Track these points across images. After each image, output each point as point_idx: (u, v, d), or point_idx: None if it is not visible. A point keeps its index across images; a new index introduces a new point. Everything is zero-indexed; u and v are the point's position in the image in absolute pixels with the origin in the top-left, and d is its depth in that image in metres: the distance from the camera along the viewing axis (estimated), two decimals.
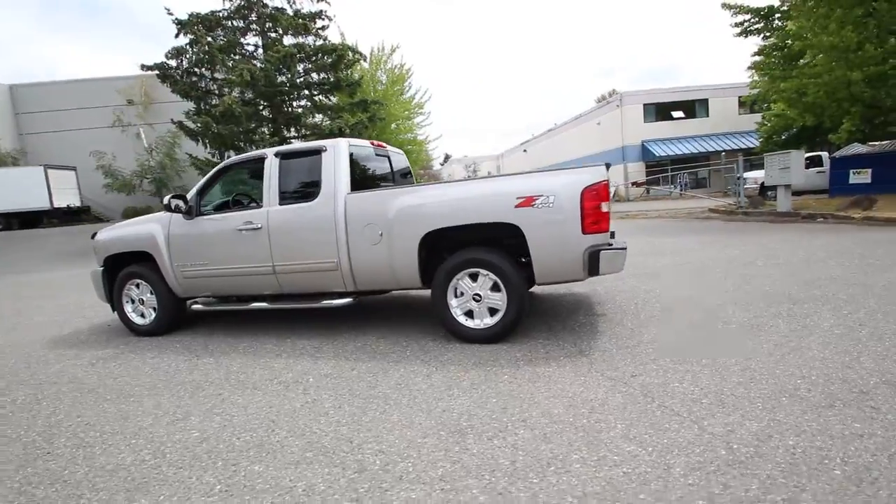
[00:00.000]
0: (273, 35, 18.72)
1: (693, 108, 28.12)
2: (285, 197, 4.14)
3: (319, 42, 18.57)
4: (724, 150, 23.79)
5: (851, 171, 14.04)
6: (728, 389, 2.63)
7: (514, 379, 2.96)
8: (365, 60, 21.38)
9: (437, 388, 2.91)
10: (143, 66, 16.77)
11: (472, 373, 3.11)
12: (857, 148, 14.87)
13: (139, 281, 4.70)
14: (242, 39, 18.51)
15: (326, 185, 3.97)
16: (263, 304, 4.31)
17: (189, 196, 4.35)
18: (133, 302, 4.79)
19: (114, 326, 5.36)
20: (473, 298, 3.65)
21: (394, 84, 24.35)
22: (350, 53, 18.38)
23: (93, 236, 5.01)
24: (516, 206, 3.41)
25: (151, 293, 4.68)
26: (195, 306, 4.60)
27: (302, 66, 18.42)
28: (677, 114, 28.24)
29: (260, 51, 18.80)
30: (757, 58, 15.40)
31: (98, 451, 2.46)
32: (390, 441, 2.33)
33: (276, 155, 4.22)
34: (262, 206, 4.19)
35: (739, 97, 26.50)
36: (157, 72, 16.92)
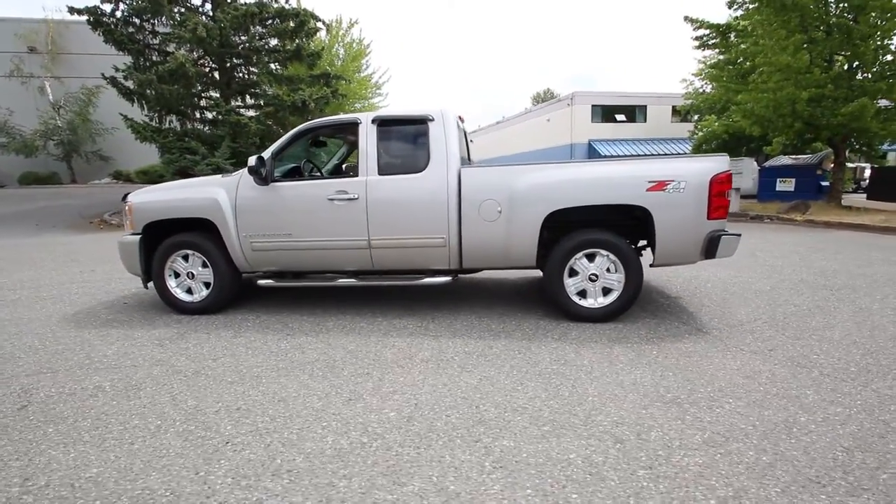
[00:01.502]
0: None
1: (634, 113, 30.27)
2: (385, 167, 3.86)
3: (278, 4, 17.20)
4: (663, 155, 25.87)
5: (778, 179, 16.05)
6: (859, 359, 2.96)
7: (666, 355, 3.08)
8: (328, 31, 20.24)
9: (600, 364, 2.93)
10: (70, 10, 14.44)
11: (618, 349, 3.18)
12: (783, 160, 17.00)
13: (188, 252, 4.12)
14: None
15: (437, 157, 3.77)
16: (351, 281, 4.00)
17: (254, 160, 3.87)
18: (177, 276, 4.20)
19: (131, 303, 4.67)
20: (589, 278, 3.71)
21: (353, 60, 23.36)
22: (312, 21, 17.27)
23: (123, 198, 4.29)
24: (647, 190, 3.50)
25: (204, 266, 4.13)
26: (262, 282, 4.14)
27: (257, 29, 16.96)
28: (620, 117, 30.23)
29: (208, 6, 16.98)
30: (696, 68, 16.94)
31: (294, 437, 2.17)
32: (616, 413, 2.33)
33: (374, 121, 3.91)
34: (356, 175, 3.87)
35: (673, 106, 28.93)
36: (87, 17, 14.63)
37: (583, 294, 3.76)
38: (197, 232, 4.15)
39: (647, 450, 2.02)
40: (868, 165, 15.94)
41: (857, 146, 13.62)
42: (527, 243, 3.69)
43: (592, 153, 28.84)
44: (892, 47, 12.40)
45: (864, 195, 16.78)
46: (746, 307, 4.16)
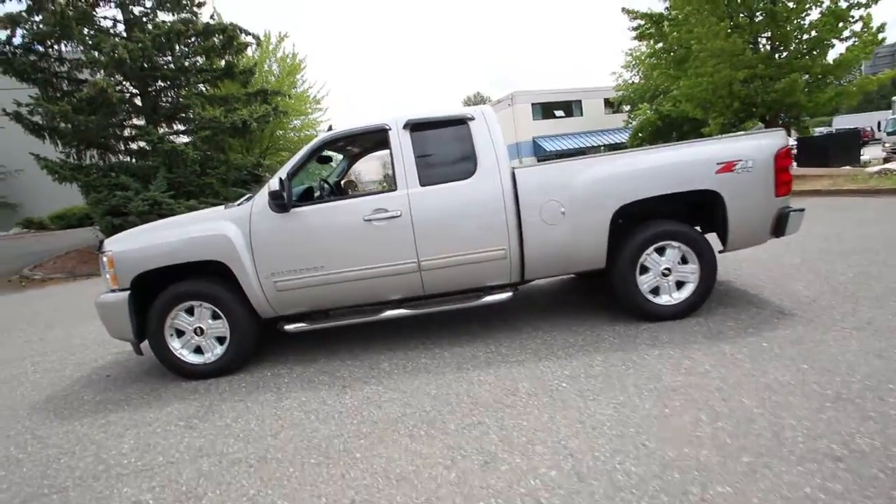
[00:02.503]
0: (138, 9, 15.50)
1: (571, 107, 31.36)
2: (427, 176, 3.37)
3: (202, 21, 15.95)
4: (602, 146, 26.95)
5: None
6: None
7: (780, 347, 2.84)
8: (258, 45, 19.11)
9: (726, 368, 2.65)
10: None
11: (726, 348, 2.92)
12: None
13: (193, 304, 3.40)
14: (95, 11, 14.90)
15: (485, 158, 3.35)
16: (401, 312, 3.47)
17: (276, 182, 3.25)
18: (181, 335, 3.46)
19: (116, 375, 3.83)
20: (662, 273, 3.45)
21: (288, 75, 22.28)
22: (241, 34, 16.16)
23: (99, 248, 3.47)
24: (717, 172, 3.30)
25: (215, 318, 3.42)
26: (291, 328, 3.49)
27: (182, 48, 15.61)
28: (559, 113, 31.20)
29: (120, 27, 15.42)
30: (624, 61, 17.70)
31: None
32: (802, 426, 2.03)
33: (406, 126, 3.42)
34: (393, 189, 3.36)
35: (605, 99, 30.29)
36: None
37: (655, 291, 3.49)
38: (200, 278, 3.44)
39: (870, 458, 1.73)
40: (794, 137, 17.40)
41: (787, 120, 14.74)
42: (596, 243, 3.36)
43: (538, 150, 29.52)
44: (805, 25, 13.58)
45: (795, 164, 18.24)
46: (798, 282, 4.08)
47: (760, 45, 13.64)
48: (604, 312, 3.84)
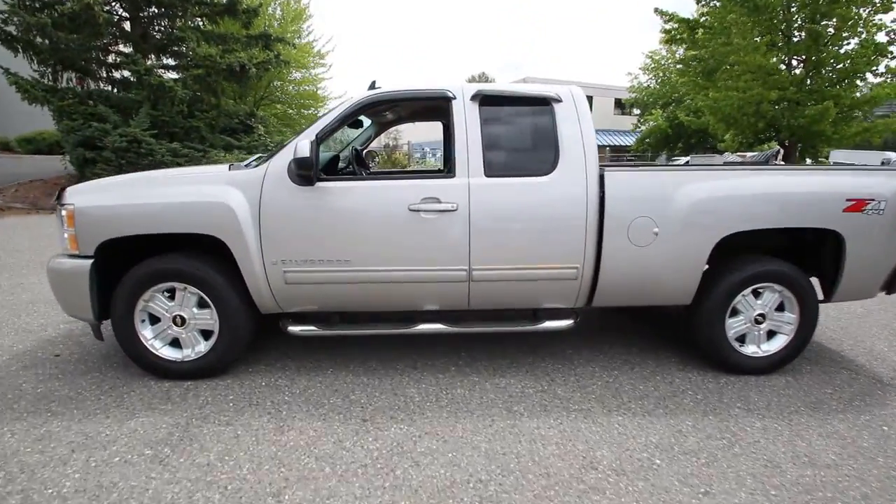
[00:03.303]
0: None
1: None
2: (495, 166, 2.67)
3: None
4: (608, 146, 26.42)
5: None
6: None
7: None
8: None
9: (845, 460, 2.10)
10: None
11: (846, 428, 2.37)
12: (728, 156, 17.76)
13: (175, 286, 2.65)
14: None
15: (569, 154, 2.66)
16: (438, 328, 2.80)
17: (307, 146, 2.48)
18: (156, 321, 2.72)
19: (65, 357, 3.07)
20: (755, 320, 2.87)
21: (291, 22, 20.81)
22: None
23: (58, 197, 2.66)
24: (844, 210, 2.70)
25: (202, 306, 2.69)
26: (295, 330, 2.79)
27: None
28: None
29: None
30: (642, 62, 17.05)
31: None
32: None
33: (475, 97, 2.69)
34: (450, 175, 2.65)
35: (616, 99, 29.61)
36: None
37: (741, 339, 2.92)
38: (187, 253, 2.69)
39: None
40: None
41: (808, 148, 14.39)
42: (689, 275, 2.75)
43: None
44: (842, 54, 13.11)
45: None
46: (878, 340, 3.58)
47: (793, 68, 13.12)
48: (666, 350, 3.26)
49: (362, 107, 2.70)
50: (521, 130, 2.77)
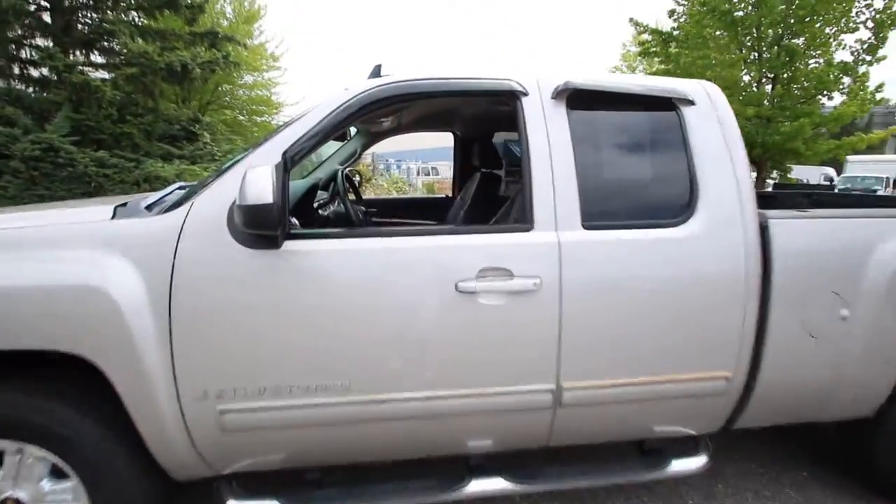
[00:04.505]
0: None
1: None
2: (595, 212, 1.57)
3: None
4: None
5: None
6: None
7: None
8: None
9: None
10: None
11: None
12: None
13: (5, 445, 1.36)
14: None
15: (714, 191, 1.61)
16: (503, 485, 1.62)
17: (266, 177, 1.28)
18: None
19: None
20: None
21: (245, 22, 19.22)
22: None
23: None
24: None
25: (58, 476, 1.40)
26: None
27: None
28: None
29: None
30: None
31: None
32: None
33: (558, 94, 1.59)
34: (529, 227, 1.53)
35: None
36: None
37: None
38: (33, 381, 1.41)
39: None
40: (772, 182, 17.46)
41: (779, 164, 14.42)
42: (882, 376, 1.75)
43: (506, 151, 28.08)
44: (811, 71, 13.20)
45: None
46: None
47: (765, 84, 13.09)
48: (814, 486, 2.24)
49: (367, 105, 1.52)
50: (631, 150, 1.70)
